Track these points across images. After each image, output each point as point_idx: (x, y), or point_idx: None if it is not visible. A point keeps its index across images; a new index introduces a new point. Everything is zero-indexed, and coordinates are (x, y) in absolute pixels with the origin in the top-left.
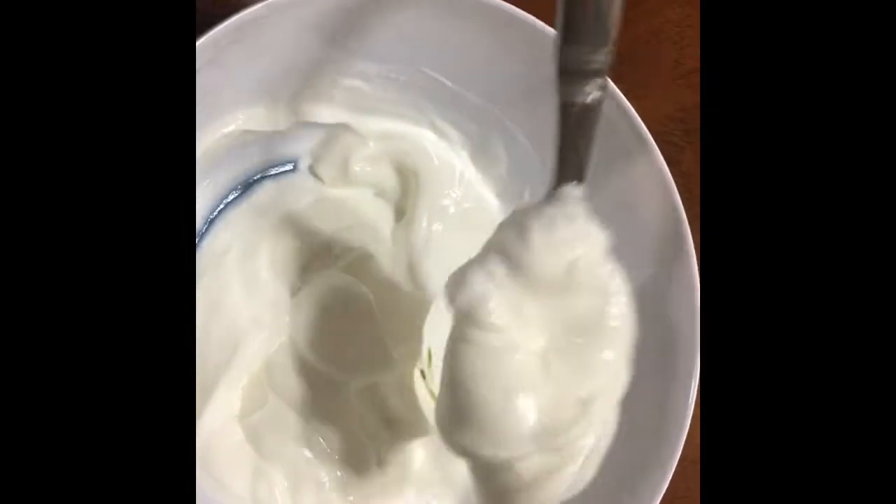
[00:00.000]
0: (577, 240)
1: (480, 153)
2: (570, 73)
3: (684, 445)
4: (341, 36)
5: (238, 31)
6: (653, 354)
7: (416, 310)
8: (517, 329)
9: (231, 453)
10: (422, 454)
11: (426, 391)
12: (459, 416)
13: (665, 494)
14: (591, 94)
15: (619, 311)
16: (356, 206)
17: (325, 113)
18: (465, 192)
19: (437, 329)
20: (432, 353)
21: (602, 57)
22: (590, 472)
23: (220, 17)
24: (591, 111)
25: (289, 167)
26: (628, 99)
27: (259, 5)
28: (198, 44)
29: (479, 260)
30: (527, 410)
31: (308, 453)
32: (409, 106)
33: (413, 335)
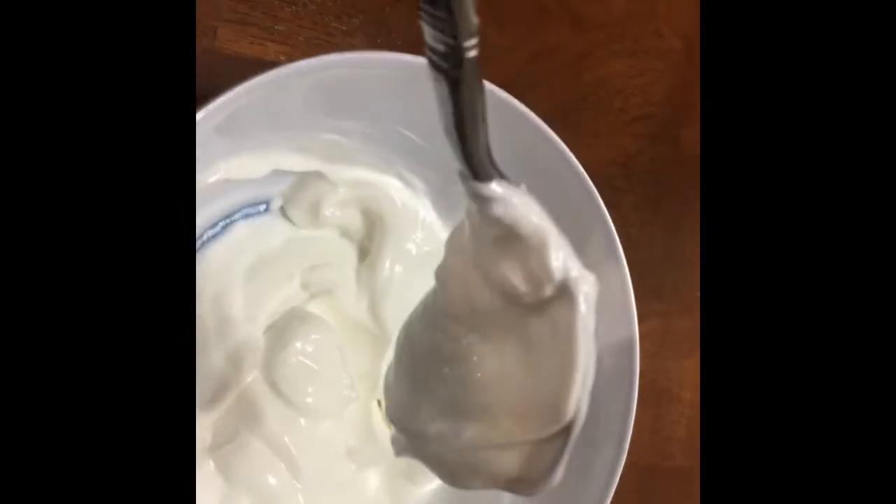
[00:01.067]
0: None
1: (441, 201)
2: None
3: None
4: (326, 102)
5: (229, 105)
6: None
7: (377, 347)
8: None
9: (201, 482)
10: (376, 481)
11: (382, 420)
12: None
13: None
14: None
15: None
16: (324, 246)
17: (301, 162)
18: (427, 236)
19: None
20: None
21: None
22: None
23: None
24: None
25: (261, 208)
26: (579, 145)
27: (255, 80)
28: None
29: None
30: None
31: (273, 481)
32: (379, 157)
33: (373, 371)
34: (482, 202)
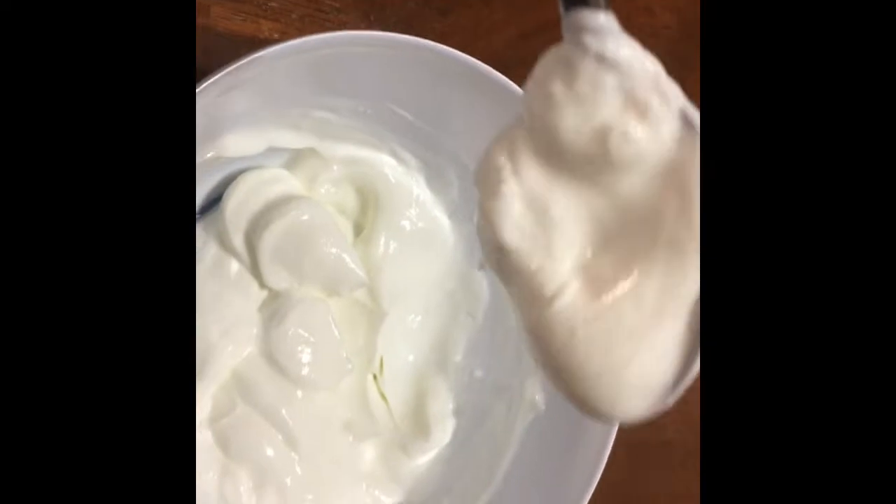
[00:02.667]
0: (605, 88)
1: (435, 178)
2: None
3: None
4: (319, 80)
5: (223, 82)
6: None
7: (373, 322)
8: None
9: (200, 454)
10: (372, 453)
11: (377, 394)
12: None
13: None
14: None
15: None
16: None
17: (294, 139)
18: (420, 213)
19: (390, 339)
20: (384, 361)
21: None
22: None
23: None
24: None
25: None
26: None
27: (249, 58)
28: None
29: (504, 134)
30: None
31: (271, 453)
32: (371, 134)
33: (368, 345)
34: (603, 40)
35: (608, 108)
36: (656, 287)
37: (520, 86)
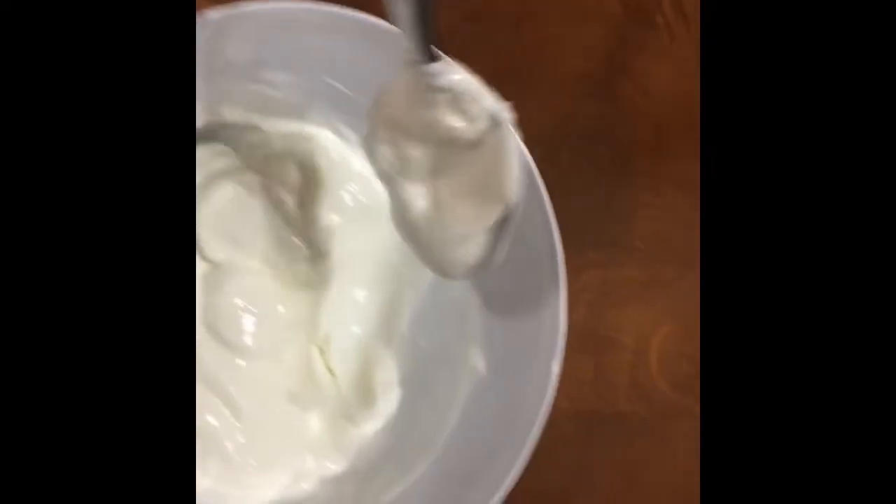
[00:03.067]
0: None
1: None
2: None
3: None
4: (258, 53)
5: None
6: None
7: (316, 295)
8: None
9: None
10: (317, 422)
11: (323, 365)
12: None
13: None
14: None
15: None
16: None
17: (236, 114)
18: (362, 187)
19: (335, 312)
20: (330, 333)
21: None
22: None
23: None
24: None
25: None
26: (517, 106)
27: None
28: None
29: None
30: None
31: (214, 422)
32: (311, 109)
33: (313, 317)
34: (433, 78)
35: (445, 114)
36: (471, 212)
37: (459, 62)
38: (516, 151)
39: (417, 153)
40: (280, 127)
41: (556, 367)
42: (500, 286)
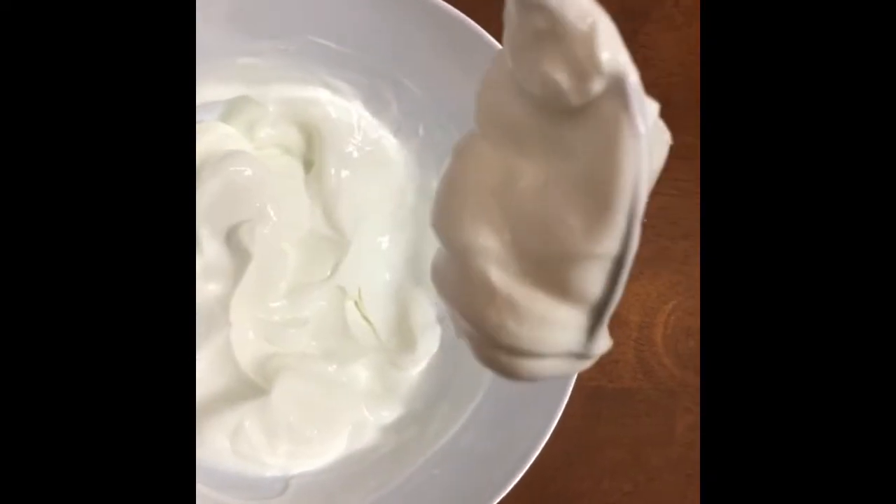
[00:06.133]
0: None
1: (373, 100)
2: None
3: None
4: (233, 21)
5: None
6: None
7: (337, 252)
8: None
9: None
10: (365, 374)
11: (360, 318)
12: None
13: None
14: None
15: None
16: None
17: (225, 90)
18: (364, 137)
19: (360, 264)
20: (361, 286)
21: None
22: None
23: None
24: None
25: None
26: None
27: None
28: None
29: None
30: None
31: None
32: (300, 70)
33: (335, 274)
34: None
35: (544, 57)
36: (579, 222)
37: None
38: (637, 141)
39: (519, 113)
40: (271, 93)
41: None
42: None
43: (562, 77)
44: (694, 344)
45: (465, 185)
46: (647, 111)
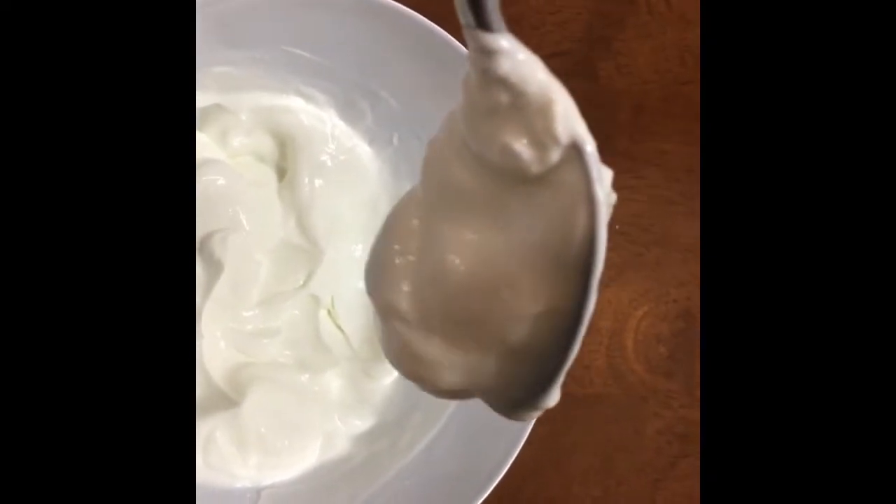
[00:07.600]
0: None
1: (346, 109)
2: None
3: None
4: (208, 30)
5: None
6: None
7: (310, 262)
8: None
9: None
10: (337, 383)
11: (333, 327)
12: None
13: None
14: None
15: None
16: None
17: (199, 98)
18: (338, 146)
19: (335, 273)
20: (334, 294)
21: None
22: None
23: None
24: None
25: None
26: None
27: None
28: None
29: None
30: None
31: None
32: (274, 78)
33: (308, 284)
34: (488, 57)
35: (503, 126)
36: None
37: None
38: (595, 207)
39: (467, 179)
40: (245, 102)
41: None
42: None
43: (521, 147)
44: (664, 350)
45: (392, 249)
46: (603, 178)
